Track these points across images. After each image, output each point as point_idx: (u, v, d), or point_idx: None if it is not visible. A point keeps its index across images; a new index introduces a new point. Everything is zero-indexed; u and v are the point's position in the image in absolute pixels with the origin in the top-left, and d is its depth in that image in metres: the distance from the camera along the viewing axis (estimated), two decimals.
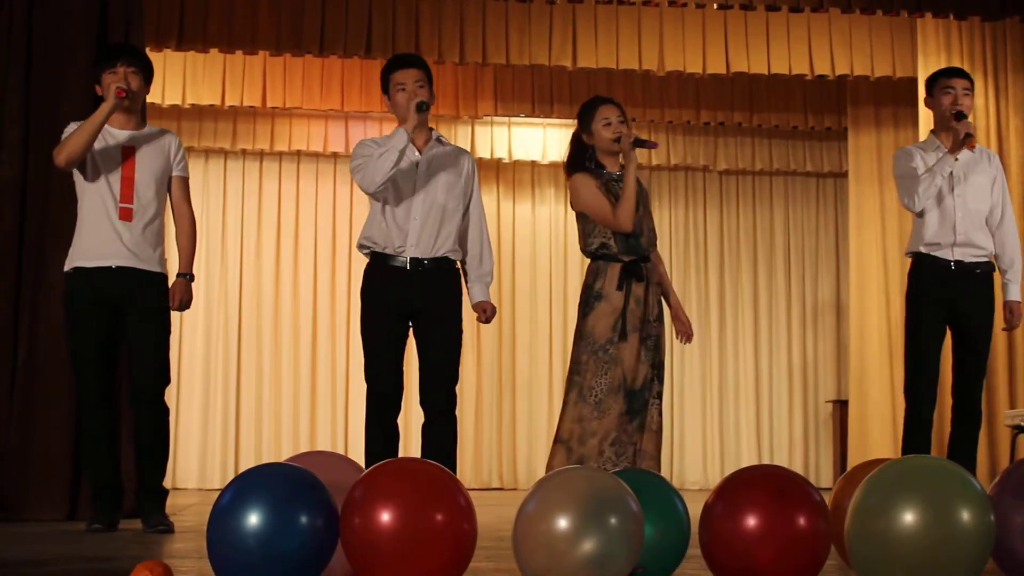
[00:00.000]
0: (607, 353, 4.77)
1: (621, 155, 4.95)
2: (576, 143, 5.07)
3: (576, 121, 5.15)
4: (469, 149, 10.10)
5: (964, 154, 5.28)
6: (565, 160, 5.17)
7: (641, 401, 4.77)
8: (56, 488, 5.52)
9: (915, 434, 5.24)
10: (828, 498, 2.67)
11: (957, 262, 5.23)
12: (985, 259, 5.28)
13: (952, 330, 5.32)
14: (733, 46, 8.20)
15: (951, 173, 5.23)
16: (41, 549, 4.01)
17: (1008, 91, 8.23)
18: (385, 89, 4.88)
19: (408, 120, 4.68)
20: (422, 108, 4.67)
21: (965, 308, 5.23)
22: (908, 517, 2.27)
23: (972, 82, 5.40)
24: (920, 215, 5.29)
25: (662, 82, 9.42)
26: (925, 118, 8.18)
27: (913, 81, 8.24)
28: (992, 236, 5.31)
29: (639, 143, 4.88)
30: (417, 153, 4.81)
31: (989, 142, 8.14)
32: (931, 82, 5.46)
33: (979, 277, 5.27)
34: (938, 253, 5.24)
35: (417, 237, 4.73)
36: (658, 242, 5.14)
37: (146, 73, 5.04)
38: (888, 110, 9.30)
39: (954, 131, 5.19)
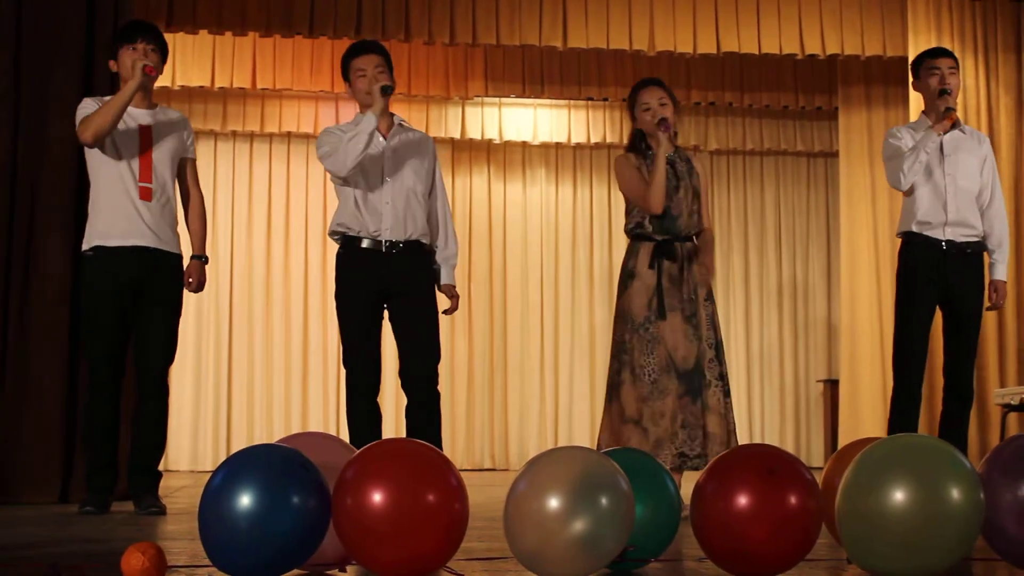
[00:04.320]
0: (648, 332, 4.72)
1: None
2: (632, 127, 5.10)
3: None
4: (459, 130, 10.12)
5: (954, 134, 5.31)
6: None
7: (697, 382, 4.69)
8: (48, 470, 5.53)
9: (904, 411, 5.26)
10: (819, 477, 2.68)
11: (949, 242, 5.24)
12: (976, 239, 5.30)
13: (943, 310, 5.33)
14: (723, 26, 8.17)
15: (941, 152, 5.26)
16: (33, 531, 4.01)
17: (998, 70, 8.23)
18: (346, 76, 4.97)
19: (374, 104, 4.76)
20: (386, 91, 4.78)
21: (957, 288, 5.25)
22: (898, 496, 2.27)
23: (957, 60, 5.43)
24: (909, 194, 5.30)
25: (652, 62, 9.38)
26: (916, 98, 8.17)
27: (904, 60, 8.22)
28: (982, 216, 5.33)
29: (658, 124, 4.89)
30: (382, 139, 4.90)
31: (979, 121, 8.14)
32: (917, 65, 5.49)
33: (970, 257, 5.29)
34: (930, 233, 5.25)
35: (391, 221, 4.81)
36: (706, 221, 5.07)
37: (163, 52, 5.07)
38: (879, 89, 9.29)
39: (936, 107, 5.24)
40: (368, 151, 4.77)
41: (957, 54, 8.17)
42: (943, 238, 5.24)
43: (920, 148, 5.17)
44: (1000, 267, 5.35)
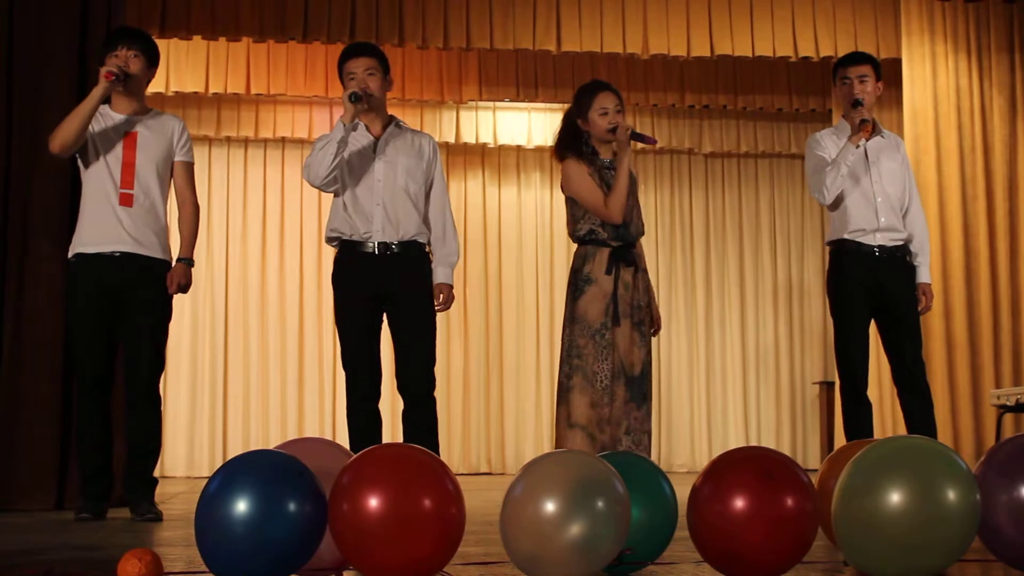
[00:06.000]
0: (603, 338, 4.74)
1: (615, 145, 4.91)
2: (570, 125, 5.03)
3: (568, 103, 5.16)
4: (454, 134, 10.13)
5: (876, 140, 5.29)
6: (555, 139, 5.14)
7: (645, 388, 4.74)
8: (44, 477, 5.51)
9: (858, 416, 5.30)
10: (815, 479, 2.68)
11: (880, 247, 5.24)
12: (902, 242, 5.29)
13: (882, 315, 5.32)
14: (717, 29, 8.19)
15: (866, 159, 5.24)
16: (29, 538, 4.00)
17: (992, 71, 8.24)
18: (342, 79, 4.91)
19: (344, 112, 4.72)
20: (353, 99, 4.70)
21: (893, 292, 5.25)
22: (894, 497, 2.27)
23: (874, 64, 5.35)
24: (837, 205, 5.29)
25: (647, 65, 9.41)
26: (911, 100, 8.20)
27: (897, 62, 8.24)
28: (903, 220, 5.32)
29: (636, 137, 4.85)
30: (372, 139, 4.85)
31: (973, 122, 8.15)
32: (833, 71, 5.45)
33: (900, 260, 5.29)
34: (863, 239, 5.24)
35: (382, 222, 4.78)
36: (644, 225, 5.12)
37: (149, 56, 5.03)
38: None
39: (850, 119, 5.21)
40: (345, 155, 4.76)
41: (950, 55, 8.21)
42: (875, 243, 5.24)
43: (840, 163, 5.15)
44: (924, 270, 5.35)
